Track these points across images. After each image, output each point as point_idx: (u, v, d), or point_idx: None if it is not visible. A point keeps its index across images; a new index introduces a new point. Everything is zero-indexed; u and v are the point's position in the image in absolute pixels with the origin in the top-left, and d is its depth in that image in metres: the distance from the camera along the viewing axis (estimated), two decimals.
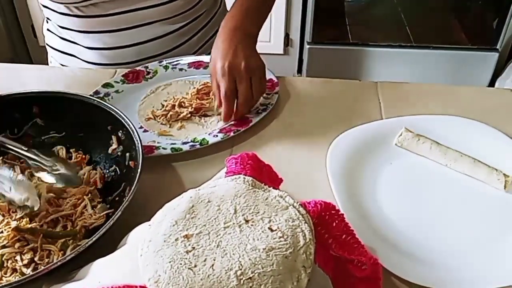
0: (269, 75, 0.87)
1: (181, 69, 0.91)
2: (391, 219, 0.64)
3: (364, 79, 0.84)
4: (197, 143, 0.75)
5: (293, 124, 0.80)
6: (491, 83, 2.18)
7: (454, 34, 2.27)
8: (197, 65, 0.92)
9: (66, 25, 0.94)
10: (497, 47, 2.13)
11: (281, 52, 2.25)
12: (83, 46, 0.95)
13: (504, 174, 0.67)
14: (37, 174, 0.64)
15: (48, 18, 0.98)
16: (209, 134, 0.77)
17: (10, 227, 0.55)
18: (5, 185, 0.59)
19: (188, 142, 0.75)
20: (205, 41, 1.02)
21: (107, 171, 0.67)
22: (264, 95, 0.83)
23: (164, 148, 0.73)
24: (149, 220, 0.52)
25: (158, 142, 0.75)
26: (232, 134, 0.76)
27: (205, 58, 0.92)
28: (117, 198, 0.63)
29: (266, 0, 0.91)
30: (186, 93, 0.85)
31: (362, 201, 0.65)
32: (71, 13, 0.92)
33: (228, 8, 1.11)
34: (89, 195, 0.63)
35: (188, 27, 0.98)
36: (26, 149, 0.64)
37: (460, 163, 0.70)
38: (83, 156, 0.69)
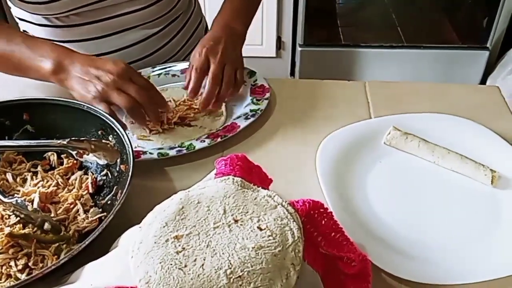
0: (260, 81, 0.88)
1: (173, 75, 0.92)
2: (380, 216, 0.64)
3: (357, 80, 0.86)
4: (184, 148, 0.75)
5: (283, 126, 0.81)
6: (483, 82, 2.20)
7: (445, 34, 2.29)
8: None
9: (46, 36, 0.92)
10: (488, 45, 2.15)
11: (274, 55, 2.26)
12: None
13: (491, 170, 0.68)
14: (85, 157, 0.67)
15: (25, 31, 0.96)
16: (196, 140, 0.77)
17: (3, 233, 0.56)
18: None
19: (175, 147, 0.76)
20: (184, 42, 1.04)
21: (99, 175, 0.68)
22: (254, 100, 0.84)
23: (150, 153, 0.74)
24: (139, 223, 0.53)
25: (141, 147, 0.76)
26: (219, 139, 0.76)
27: None
28: (109, 202, 0.64)
29: (252, 1, 0.94)
30: (174, 100, 0.85)
31: (351, 199, 0.66)
32: (50, 23, 0.91)
33: (202, 8, 1.14)
34: (81, 199, 0.63)
35: (167, 29, 0.99)
36: (67, 141, 0.65)
37: (448, 160, 0.71)
38: (74, 161, 0.69)
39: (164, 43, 0.99)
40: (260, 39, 2.20)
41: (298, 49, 2.19)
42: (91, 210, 0.62)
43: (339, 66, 2.23)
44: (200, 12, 1.12)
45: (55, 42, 0.79)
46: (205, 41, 0.82)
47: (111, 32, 0.93)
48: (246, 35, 0.89)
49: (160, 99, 0.77)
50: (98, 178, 0.67)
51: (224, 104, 0.84)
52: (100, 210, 0.63)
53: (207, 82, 0.80)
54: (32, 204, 0.60)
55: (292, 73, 2.32)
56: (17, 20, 0.97)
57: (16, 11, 0.94)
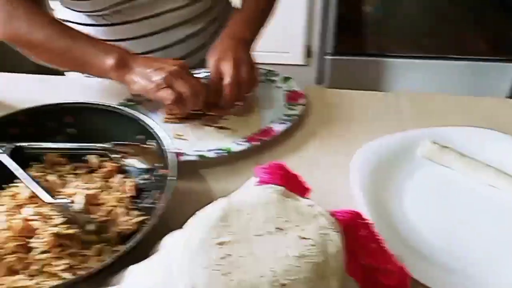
0: (295, 87, 0.89)
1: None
2: (417, 228, 0.64)
3: (384, 89, 0.86)
4: (222, 151, 0.76)
5: (316, 134, 0.82)
6: (511, 95, 2.17)
7: (474, 45, 2.26)
8: None
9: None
10: None
11: (301, 63, 2.26)
12: None
13: None
14: (126, 161, 0.69)
15: None
16: (233, 143, 0.78)
17: (49, 233, 0.57)
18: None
19: (213, 150, 0.77)
20: None
21: (139, 179, 0.69)
22: (288, 106, 0.85)
23: (190, 155, 0.75)
24: (178, 226, 0.54)
25: (179, 149, 0.77)
26: (256, 143, 0.78)
27: None
28: (149, 206, 0.65)
29: (262, 11, 0.97)
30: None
31: (387, 210, 0.67)
32: (94, 22, 0.94)
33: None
34: (122, 202, 0.65)
35: (206, 29, 1.02)
36: (109, 145, 0.68)
37: (484, 174, 0.71)
38: (115, 165, 0.71)
39: (202, 43, 1.01)
40: (287, 47, 2.21)
41: (327, 57, 2.19)
42: (132, 213, 0.64)
43: (367, 76, 2.22)
44: None
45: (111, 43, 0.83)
46: (215, 54, 0.84)
47: (152, 31, 0.95)
48: (255, 44, 0.92)
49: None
50: (138, 182, 0.69)
51: (257, 108, 0.85)
52: (141, 213, 0.64)
53: (226, 87, 0.81)
54: (76, 205, 0.62)
55: (319, 82, 2.32)
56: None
57: (61, 13, 0.97)
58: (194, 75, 0.80)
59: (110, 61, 0.78)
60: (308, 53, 2.26)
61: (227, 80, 0.81)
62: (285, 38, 2.18)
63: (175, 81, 0.76)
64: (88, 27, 0.95)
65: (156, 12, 0.94)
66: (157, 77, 0.75)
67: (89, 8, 0.91)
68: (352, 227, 0.53)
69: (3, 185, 0.67)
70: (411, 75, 2.21)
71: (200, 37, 1.01)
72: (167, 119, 0.85)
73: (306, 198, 0.53)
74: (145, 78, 0.76)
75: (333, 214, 0.52)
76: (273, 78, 0.92)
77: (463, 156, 0.73)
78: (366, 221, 0.53)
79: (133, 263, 0.53)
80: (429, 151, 0.74)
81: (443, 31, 2.32)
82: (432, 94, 0.92)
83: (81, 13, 0.93)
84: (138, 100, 0.86)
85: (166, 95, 0.75)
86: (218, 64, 0.83)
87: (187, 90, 0.76)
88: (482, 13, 2.31)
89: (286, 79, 0.92)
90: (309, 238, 0.48)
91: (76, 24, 0.96)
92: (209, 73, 0.88)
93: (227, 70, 0.81)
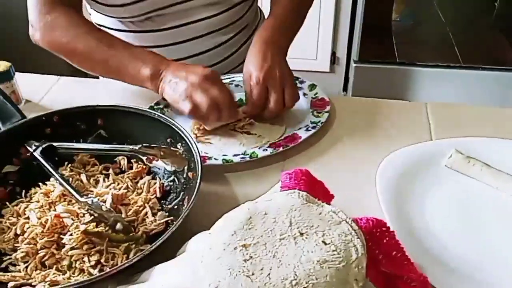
0: (321, 94, 0.90)
1: (237, 85, 0.95)
2: (440, 238, 0.64)
3: (410, 98, 0.85)
4: (247, 156, 0.78)
5: (343, 141, 0.83)
6: None
7: (504, 55, 2.23)
8: None
9: None
10: None
11: (327, 70, 2.27)
12: None
13: None
14: (154, 163, 0.71)
15: None
16: (259, 148, 0.80)
17: (79, 230, 0.60)
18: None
19: (238, 155, 0.78)
20: None
21: (166, 181, 0.71)
22: (315, 113, 0.85)
23: (215, 159, 0.77)
24: (202, 228, 0.55)
25: (206, 152, 0.79)
26: (281, 149, 0.79)
27: None
28: (175, 207, 0.67)
29: (297, 17, 0.96)
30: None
31: (411, 219, 0.67)
32: (126, 28, 0.96)
33: None
34: (149, 203, 0.67)
35: (236, 38, 1.03)
36: (138, 147, 0.70)
37: (510, 185, 0.70)
38: (143, 166, 0.73)
39: (231, 52, 1.03)
40: (314, 54, 2.22)
41: (353, 65, 2.19)
42: (159, 213, 0.65)
43: (393, 84, 2.21)
44: None
45: (148, 49, 0.85)
46: (256, 63, 0.82)
47: (184, 39, 0.97)
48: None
49: (234, 106, 0.81)
50: (165, 184, 0.71)
51: (283, 114, 0.86)
52: (167, 214, 0.66)
53: (271, 104, 0.81)
54: (105, 204, 0.64)
55: (345, 89, 2.32)
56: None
57: (96, 18, 0.99)
58: (224, 85, 0.79)
59: (145, 72, 0.79)
60: (334, 60, 2.26)
61: (273, 97, 0.81)
62: (313, 45, 2.19)
63: (195, 92, 0.75)
64: (120, 32, 0.97)
65: (187, 21, 0.96)
66: (180, 88, 0.76)
67: (122, 15, 0.93)
68: (375, 234, 0.53)
69: (39, 183, 0.70)
70: (438, 84, 2.19)
71: (230, 45, 1.02)
72: (196, 135, 0.84)
73: (329, 204, 0.54)
74: (172, 88, 0.78)
75: (356, 221, 0.52)
76: (300, 85, 0.93)
77: (489, 167, 0.72)
78: (389, 230, 0.53)
79: (159, 263, 0.55)
80: (455, 161, 0.74)
81: (472, 40, 2.30)
82: (459, 104, 0.91)
83: (113, 19, 0.96)
84: (166, 103, 0.88)
85: (184, 106, 0.76)
86: (264, 79, 0.81)
87: (205, 101, 0.75)
88: None
89: (313, 86, 0.93)
90: (332, 244, 0.49)
91: (108, 29, 0.99)
92: (241, 80, 0.88)
93: (273, 95, 0.81)
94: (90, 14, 0.99)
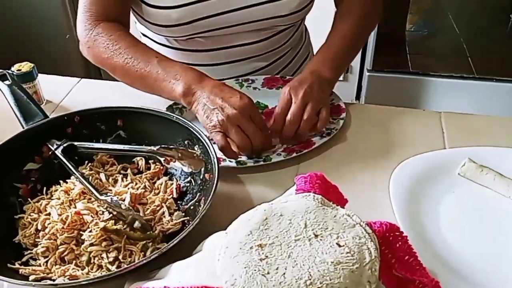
0: (337, 101, 0.91)
1: (255, 88, 0.95)
2: (453, 245, 0.65)
3: (423, 108, 0.86)
4: (261, 159, 0.79)
5: (356, 148, 0.84)
6: None
7: None
8: (271, 85, 0.96)
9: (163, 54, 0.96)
10: None
11: (341, 78, 2.27)
12: None
13: None
14: (171, 164, 0.73)
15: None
16: (273, 152, 0.81)
17: (98, 227, 0.61)
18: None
19: (252, 158, 0.80)
20: (291, 75, 1.05)
21: (183, 181, 0.72)
22: (330, 119, 0.86)
23: (230, 161, 0.78)
24: (217, 228, 0.57)
25: (220, 154, 0.80)
26: (294, 154, 0.80)
27: (279, 79, 0.97)
28: (191, 207, 0.68)
29: (356, 43, 0.94)
30: None
31: (424, 226, 0.67)
32: (170, 45, 0.98)
33: (313, 43, 1.13)
34: (166, 203, 0.68)
35: (275, 64, 1.03)
36: (156, 148, 0.70)
37: None
38: (161, 167, 0.74)
39: (272, 75, 1.02)
40: None
41: (366, 73, 2.20)
42: (175, 213, 0.67)
43: (406, 94, 2.21)
44: (309, 45, 1.14)
45: (185, 65, 0.84)
46: (291, 82, 0.83)
47: (223, 61, 0.98)
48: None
49: (269, 142, 0.80)
50: (182, 185, 0.72)
51: None
52: (183, 214, 0.67)
53: (287, 120, 0.80)
54: (123, 203, 0.65)
55: (358, 97, 2.33)
56: (140, 35, 1.04)
57: (141, 27, 1.01)
58: (259, 117, 0.78)
59: (179, 88, 0.78)
60: (348, 68, 2.27)
61: (288, 116, 0.80)
62: None
63: (230, 128, 0.74)
64: (161, 46, 0.98)
65: (230, 45, 0.96)
66: (215, 118, 0.75)
67: (166, 34, 0.94)
68: (388, 238, 0.54)
69: (60, 181, 0.72)
70: (451, 95, 2.19)
71: (270, 69, 1.02)
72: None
73: (343, 208, 0.55)
74: (205, 114, 0.76)
75: (370, 225, 0.53)
76: None
77: (502, 176, 0.73)
78: (402, 234, 0.54)
79: (175, 261, 0.56)
80: (468, 170, 0.74)
81: (486, 52, 2.30)
82: (476, 115, 0.92)
83: (157, 34, 0.97)
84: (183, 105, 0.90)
85: (217, 140, 0.75)
86: (289, 92, 0.81)
87: (239, 141, 0.75)
88: None
89: None
90: (346, 246, 0.50)
91: (151, 41, 1.00)
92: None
93: (293, 105, 0.80)
94: (135, 22, 1.00)
